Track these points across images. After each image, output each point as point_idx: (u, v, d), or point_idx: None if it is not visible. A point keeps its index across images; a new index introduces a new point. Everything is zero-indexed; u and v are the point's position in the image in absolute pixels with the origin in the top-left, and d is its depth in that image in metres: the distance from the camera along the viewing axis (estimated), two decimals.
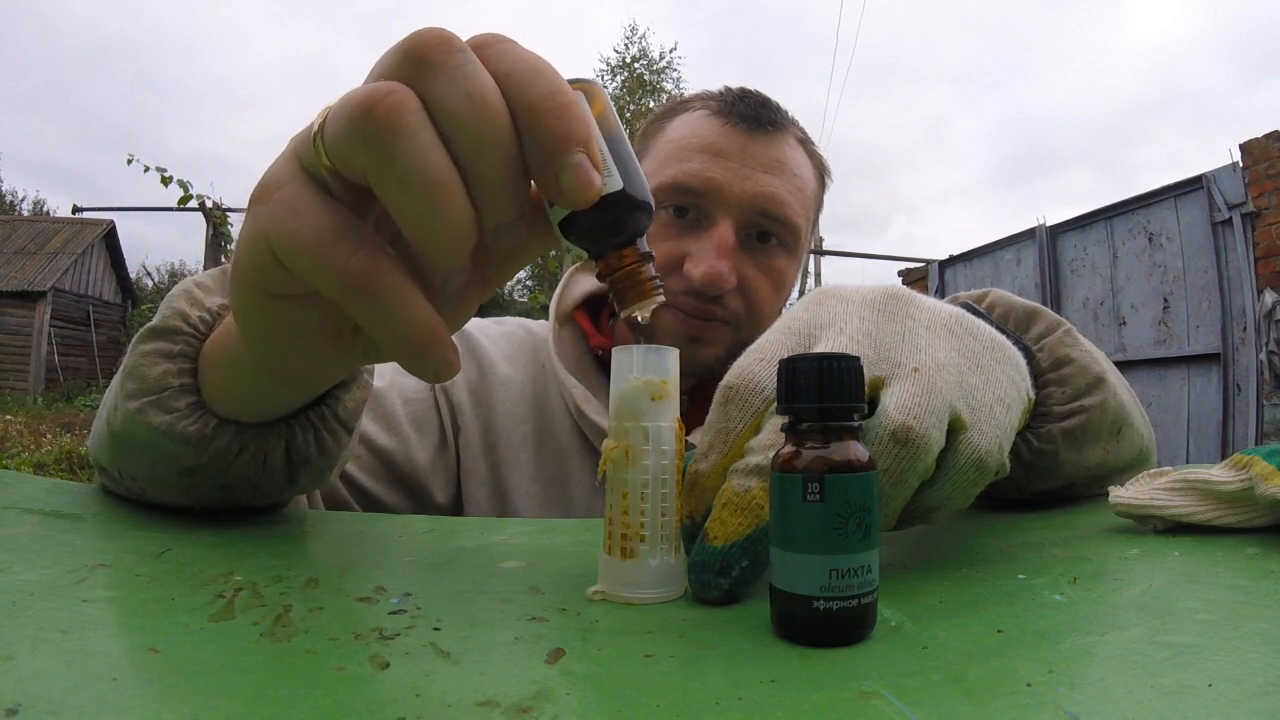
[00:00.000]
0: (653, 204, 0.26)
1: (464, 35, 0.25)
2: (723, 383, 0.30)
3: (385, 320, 0.25)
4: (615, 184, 0.25)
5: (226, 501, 0.38)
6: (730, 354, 0.63)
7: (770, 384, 0.29)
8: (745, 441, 0.29)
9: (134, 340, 0.37)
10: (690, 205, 0.62)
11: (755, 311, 0.63)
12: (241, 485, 0.37)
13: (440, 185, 0.22)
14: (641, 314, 0.27)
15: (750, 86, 0.67)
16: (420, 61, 0.23)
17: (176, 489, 0.37)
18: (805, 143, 0.67)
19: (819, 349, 0.30)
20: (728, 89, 0.67)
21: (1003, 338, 0.34)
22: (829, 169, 0.71)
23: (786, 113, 0.67)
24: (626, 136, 0.26)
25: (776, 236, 0.63)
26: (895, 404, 0.28)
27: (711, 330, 0.62)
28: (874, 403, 0.29)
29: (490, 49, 0.24)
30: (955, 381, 0.30)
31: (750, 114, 0.63)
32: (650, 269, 0.26)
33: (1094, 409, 0.39)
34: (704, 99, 0.67)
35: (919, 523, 0.31)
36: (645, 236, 0.26)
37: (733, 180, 0.61)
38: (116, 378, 0.38)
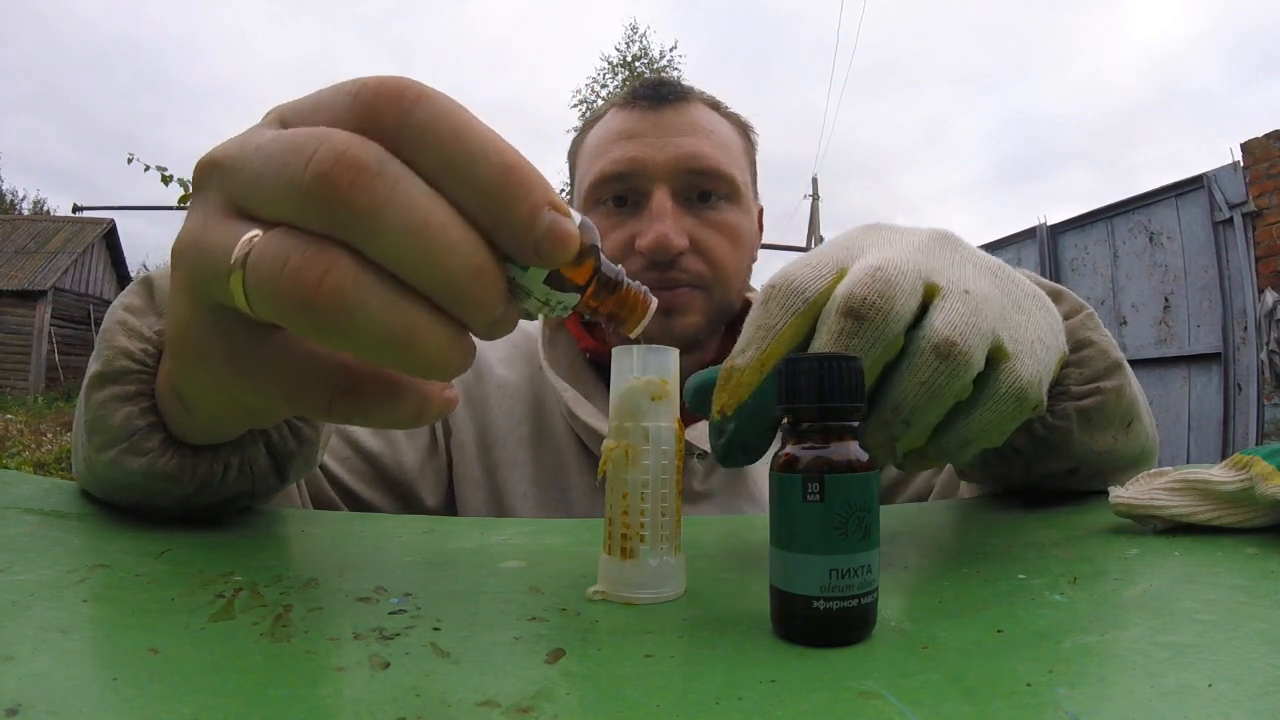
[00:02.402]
0: (594, 226, 0.24)
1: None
2: (766, 283, 0.31)
3: (379, 421, 0.24)
4: (577, 217, 0.23)
5: (227, 509, 0.38)
6: (709, 320, 0.64)
7: (813, 287, 0.30)
8: (785, 341, 0.29)
9: (85, 387, 0.35)
10: (624, 191, 0.64)
11: (719, 268, 0.64)
12: (237, 496, 0.37)
13: (410, 337, 0.20)
14: (645, 325, 0.26)
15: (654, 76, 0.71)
16: (340, 207, 0.20)
17: (175, 510, 0.36)
18: (716, 106, 0.69)
19: (870, 256, 0.30)
20: (628, 87, 0.70)
21: (1041, 291, 0.35)
22: (752, 126, 0.72)
23: (689, 85, 0.68)
24: None
25: (715, 192, 0.64)
26: (942, 319, 0.28)
27: (680, 298, 0.62)
28: (923, 310, 0.29)
29: (407, 134, 0.20)
30: (999, 313, 0.30)
31: (651, 93, 0.65)
32: (630, 284, 0.25)
33: (1110, 392, 0.39)
34: (611, 102, 0.69)
35: (950, 458, 0.31)
36: (605, 259, 0.25)
37: (653, 152, 0.63)
38: (79, 428, 0.37)
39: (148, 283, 0.38)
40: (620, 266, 0.25)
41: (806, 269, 0.30)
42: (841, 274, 0.30)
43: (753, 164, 0.71)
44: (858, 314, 0.28)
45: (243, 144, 0.22)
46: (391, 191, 0.20)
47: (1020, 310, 0.32)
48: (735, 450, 0.30)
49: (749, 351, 0.30)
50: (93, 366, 0.35)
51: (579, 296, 0.24)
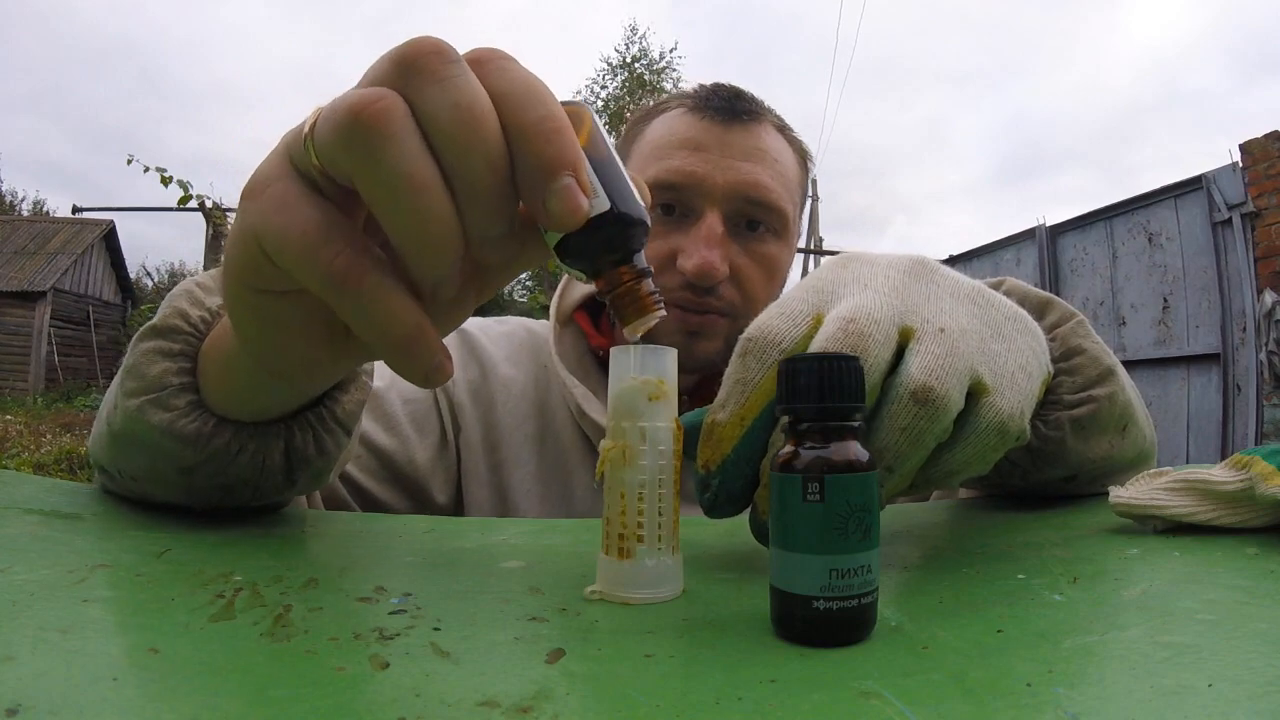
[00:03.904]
0: (648, 221, 0.26)
1: (464, 42, 0.25)
2: (743, 335, 0.31)
3: (368, 317, 0.25)
4: (603, 205, 0.25)
5: (226, 501, 0.38)
6: (730, 346, 0.63)
7: (789, 337, 0.30)
8: (764, 394, 0.29)
9: (134, 339, 0.37)
10: (675, 201, 0.62)
11: (751, 301, 0.63)
12: (240, 486, 0.37)
13: (423, 191, 0.23)
14: (642, 330, 0.27)
15: (725, 81, 0.68)
16: (411, 69, 0.23)
17: (176, 488, 0.37)
18: (783, 129, 0.68)
19: (843, 305, 0.30)
20: (701, 86, 0.68)
21: (1023, 311, 0.35)
22: (810, 153, 0.71)
23: (762, 102, 0.67)
24: (617, 158, 0.26)
25: (764, 223, 0.64)
26: (919, 364, 0.28)
27: (709, 323, 0.62)
28: (900, 353, 0.29)
29: (489, 65, 0.24)
30: (978, 347, 0.30)
31: (724, 106, 0.64)
32: (649, 284, 0.26)
33: (1103, 399, 0.39)
34: (679, 98, 0.67)
35: (937, 487, 0.31)
36: (641, 253, 0.27)
37: (714, 171, 0.61)
38: (117, 377, 0.38)
39: None
40: (650, 269, 0.27)
41: (781, 319, 0.31)
42: (817, 320, 0.30)
43: (804, 194, 0.71)
44: None
45: None
46: (456, 75, 0.23)
47: (1000, 338, 0.32)
48: (722, 503, 0.30)
49: (728, 406, 0.30)
50: (149, 322, 0.37)
51: (584, 278, 0.26)
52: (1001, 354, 0.31)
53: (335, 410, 0.38)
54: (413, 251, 0.24)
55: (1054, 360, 0.39)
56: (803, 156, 0.70)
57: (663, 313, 0.27)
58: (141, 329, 0.36)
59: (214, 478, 0.36)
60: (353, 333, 0.29)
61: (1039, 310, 0.42)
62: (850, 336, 0.28)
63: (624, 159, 0.69)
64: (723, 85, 0.67)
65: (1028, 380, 0.32)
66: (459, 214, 0.24)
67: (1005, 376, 0.31)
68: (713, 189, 0.61)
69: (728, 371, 0.31)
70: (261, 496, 0.38)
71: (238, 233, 0.26)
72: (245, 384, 0.33)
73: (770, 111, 0.67)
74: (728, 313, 0.62)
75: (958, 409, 0.29)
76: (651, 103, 0.71)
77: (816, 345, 0.29)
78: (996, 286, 0.43)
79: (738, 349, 0.31)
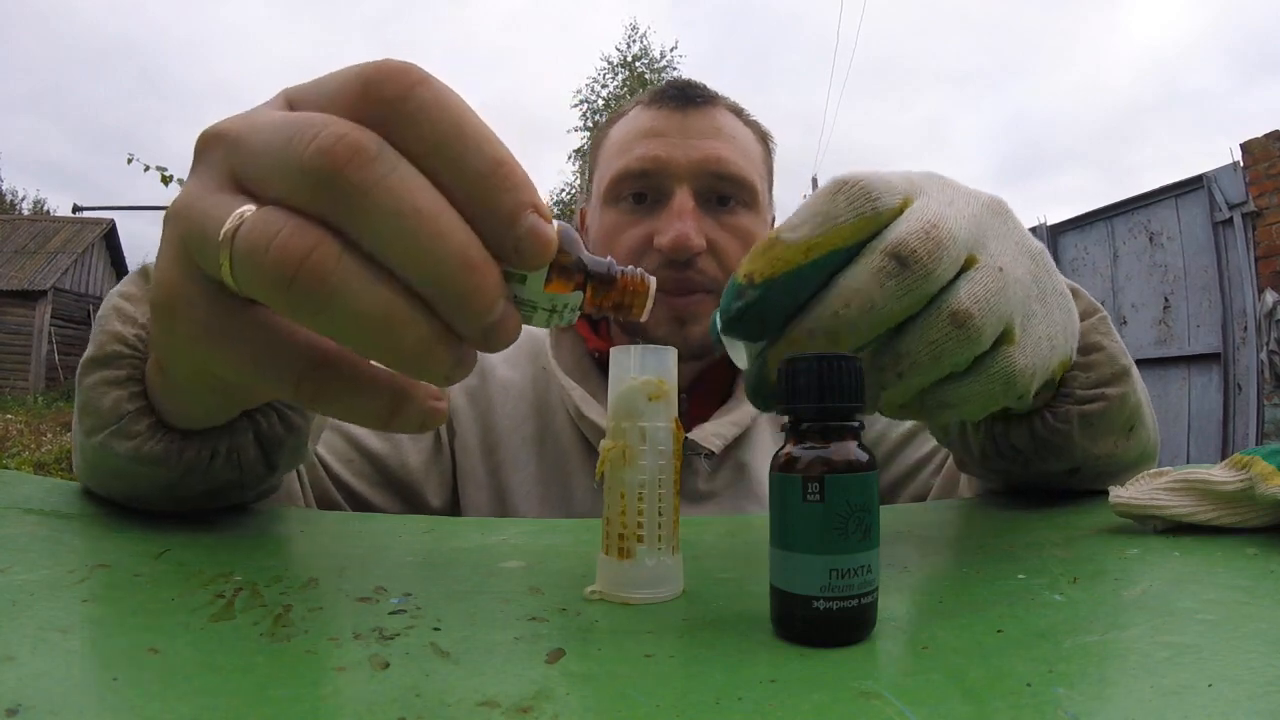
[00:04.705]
0: (572, 230, 0.25)
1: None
2: (837, 176, 0.29)
3: (349, 413, 0.24)
4: (554, 221, 0.23)
5: (216, 501, 0.38)
6: None
7: (884, 202, 0.28)
8: (840, 235, 0.28)
9: (79, 372, 0.35)
10: (646, 189, 0.64)
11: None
12: (227, 487, 0.37)
13: (387, 324, 0.21)
14: (651, 303, 0.26)
15: (685, 78, 0.70)
16: (335, 186, 0.20)
17: (165, 501, 0.36)
18: (739, 112, 0.70)
19: (930, 205, 0.29)
20: (655, 86, 0.70)
21: (1069, 292, 0.35)
22: (771, 135, 0.73)
23: (715, 90, 0.69)
24: None
25: (734, 197, 0.65)
26: (968, 290, 0.28)
27: (694, 304, 0.62)
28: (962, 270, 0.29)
29: (407, 105, 0.21)
30: (1022, 299, 0.31)
31: (678, 94, 0.66)
32: (620, 270, 0.25)
33: (1115, 399, 0.39)
34: (636, 100, 0.70)
35: (928, 416, 0.31)
36: (588, 254, 0.25)
37: (676, 152, 0.63)
38: (75, 412, 0.37)
39: (145, 272, 0.38)
40: (609, 258, 0.26)
41: (879, 181, 0.29)
42: (905, 202, 0.29)
43: (770, 172, 0.72)
44: (904, 262, 0.27)
45: (248, 120, 0.23)
46: (386, 174, 0.20)
47: (1043, 303, 0.32)
48: (748, 319, 0.28)
49: (802, 230, 0.28)
50: (87, 351, 0.35)
51: (582, 295, 0.25)
52: (1038, 316, 0.32)
53: None
54: (412, 374, 0.22)
55: None
56: (763, 137, 0.71)
57: (653, 279, 0.26)
58: (83, 360, 0.35)
59: (197, 486, 0.36)
60: None
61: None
62: (929, 241, 0.27)
63: (591, 169, 0.72)
64: (675, 79, 0.69)
65: (1050, 351, 0.32)
66: (444, 321, 0.22)
67: (1031, 337, 0.31)
68: (678, 169, 0.63)
69: (809, 203, 0.29)
70: (250, 489, 0.38)
71: (170, 352, 0.26)
72: (196, 410, 0.33)
73: (725, 99, 0.69)
74: (712, 289, 0.63)
75: (986, 346, 0.29)
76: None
77: (898, 233, 0.28)
78: None
79: (829, 186, 0.29)
